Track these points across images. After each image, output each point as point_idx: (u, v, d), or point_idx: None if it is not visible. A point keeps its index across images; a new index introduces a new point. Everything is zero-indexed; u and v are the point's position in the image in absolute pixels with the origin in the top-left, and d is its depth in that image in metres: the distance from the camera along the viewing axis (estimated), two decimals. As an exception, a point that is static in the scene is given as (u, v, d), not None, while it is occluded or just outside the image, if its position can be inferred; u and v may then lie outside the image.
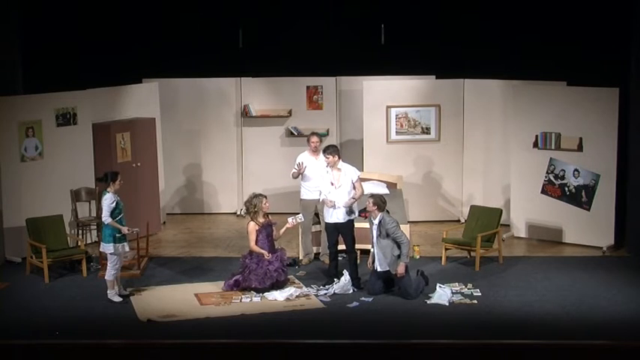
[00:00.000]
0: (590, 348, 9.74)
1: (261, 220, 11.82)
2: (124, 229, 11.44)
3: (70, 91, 13.57)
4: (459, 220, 14.70)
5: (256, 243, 11.76)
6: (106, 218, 11.39)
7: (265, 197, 11.89)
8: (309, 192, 12.80)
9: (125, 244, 11.52)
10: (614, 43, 14.00)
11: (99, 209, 11.81)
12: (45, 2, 14.61)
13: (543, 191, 13.78)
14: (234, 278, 11.85)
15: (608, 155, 13.24)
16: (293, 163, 12.92)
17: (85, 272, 12.45)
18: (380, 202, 11.60)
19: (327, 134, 15.36)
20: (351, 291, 11.70)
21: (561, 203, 13.66)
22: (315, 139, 12.86)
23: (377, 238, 11.50)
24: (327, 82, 15.38)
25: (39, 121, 13.23)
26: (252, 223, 11.81)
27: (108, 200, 11.42)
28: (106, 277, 11.50)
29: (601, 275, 12.29)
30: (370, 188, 13.69)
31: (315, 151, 12.83)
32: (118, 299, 11.46)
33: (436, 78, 15.06)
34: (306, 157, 12.87)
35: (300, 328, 10.66)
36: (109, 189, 11.50)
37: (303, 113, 15.44)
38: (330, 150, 12.11)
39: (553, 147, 13.63)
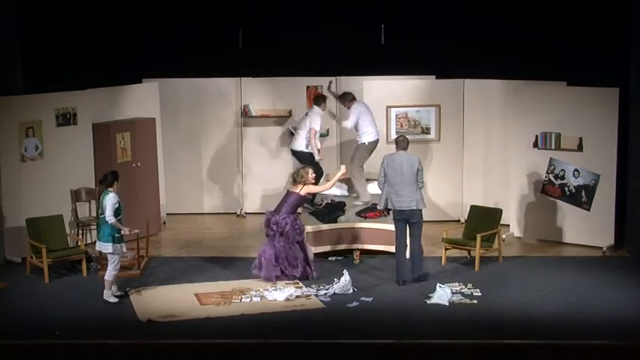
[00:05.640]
0: (590, 348, 9.76)
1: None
2: (126, 230, 11.43)
3: (70, 91, 13.56)
4: (459, 220, 14.69)
5: (292, 211, 12.14)
6: (109, 218, 11.35)
7: (312, 169, 12.36)
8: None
9: (123, 244, 11.51)
10: (614, 43, 14.00)
11: (98, 209, 11.78)
12: (45, 2, 14.60)
13: (543, 191, 13.78)
14: (265, 255, 12.04)
15: (608, 155, 13.23)
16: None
17: (85, 272, 12.45)
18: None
19: (327, 134, 15.35)
20: (351, 291, 11.70)
21: (561, 203, 13.66)
22: None
23: None
24: (327, 82, 15.35)
25: (39, 121, 13.23)
26: (308, 185, 12.19)
27: (112, 200, 11.39)
28: (105, 277, 11.49)
29: (601, 275, 12.29)
30: (371, 189, 13.73)
31: None
32: (113, 300, 11.44)
33: (436, 78, 15.04)
34: None
35: (300, 328, 10.65)
36: (111, 188, 11.49)
37: (303, 113, 15.41)
38: None
39: (553, 147, 13.63)
